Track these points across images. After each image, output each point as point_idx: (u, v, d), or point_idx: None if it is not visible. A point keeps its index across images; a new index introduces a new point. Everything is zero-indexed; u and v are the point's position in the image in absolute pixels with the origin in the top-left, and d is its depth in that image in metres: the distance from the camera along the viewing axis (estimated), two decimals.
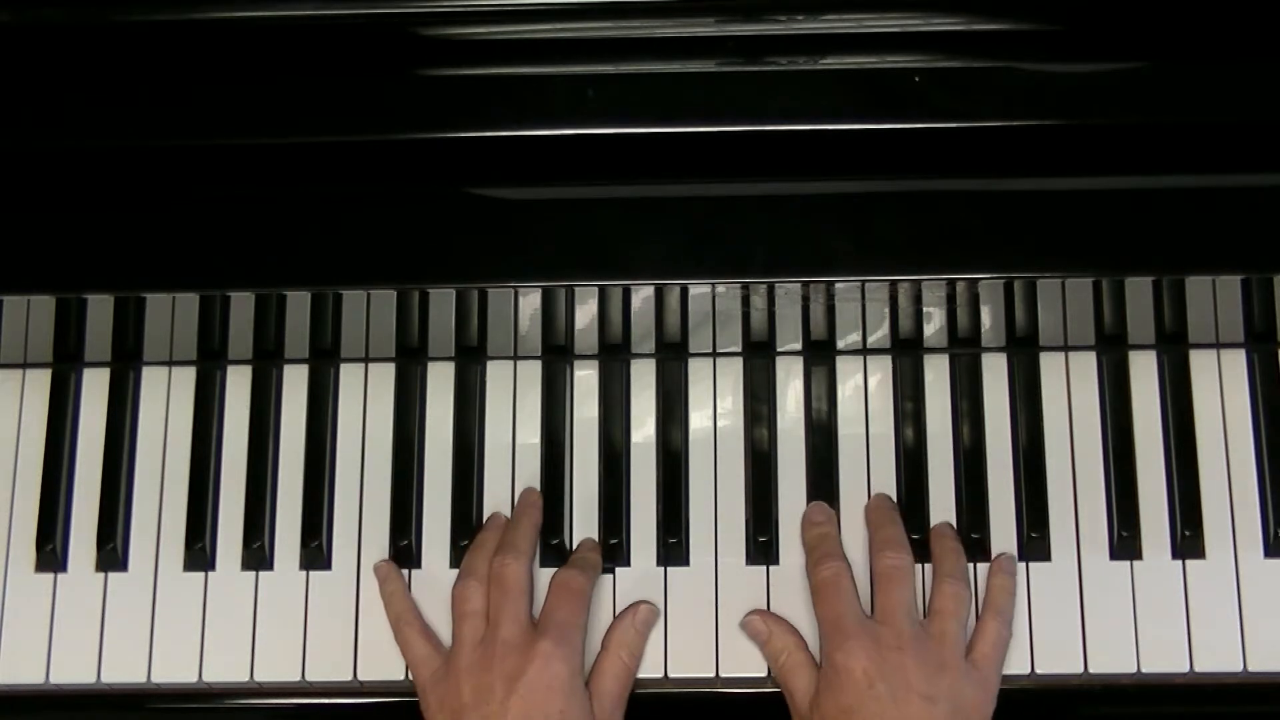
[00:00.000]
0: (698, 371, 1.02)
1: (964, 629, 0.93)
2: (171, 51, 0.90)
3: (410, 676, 0.96)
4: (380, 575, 0.99)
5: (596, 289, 0.96)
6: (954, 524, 0.98)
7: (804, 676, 0.93)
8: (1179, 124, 0.89)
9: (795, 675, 0.94)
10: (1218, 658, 0.96)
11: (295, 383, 1.02)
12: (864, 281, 0.92)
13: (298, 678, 0.98)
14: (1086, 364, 1.01)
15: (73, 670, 0.98)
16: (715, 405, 1.01)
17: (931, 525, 0.98)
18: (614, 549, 0.99)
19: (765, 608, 0.97)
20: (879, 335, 1.00)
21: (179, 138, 0.90)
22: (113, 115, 0.90)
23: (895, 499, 0.99)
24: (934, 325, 1.00)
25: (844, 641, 0.91)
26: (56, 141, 0.90)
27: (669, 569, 0.99)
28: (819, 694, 0.91)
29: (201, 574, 1.00)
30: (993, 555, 0.98)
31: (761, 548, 0.98)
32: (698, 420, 1.01)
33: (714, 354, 1.02)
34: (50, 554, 1.00)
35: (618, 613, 0.97)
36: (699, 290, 0.95)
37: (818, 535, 0.97)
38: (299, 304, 0.98)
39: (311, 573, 0.99)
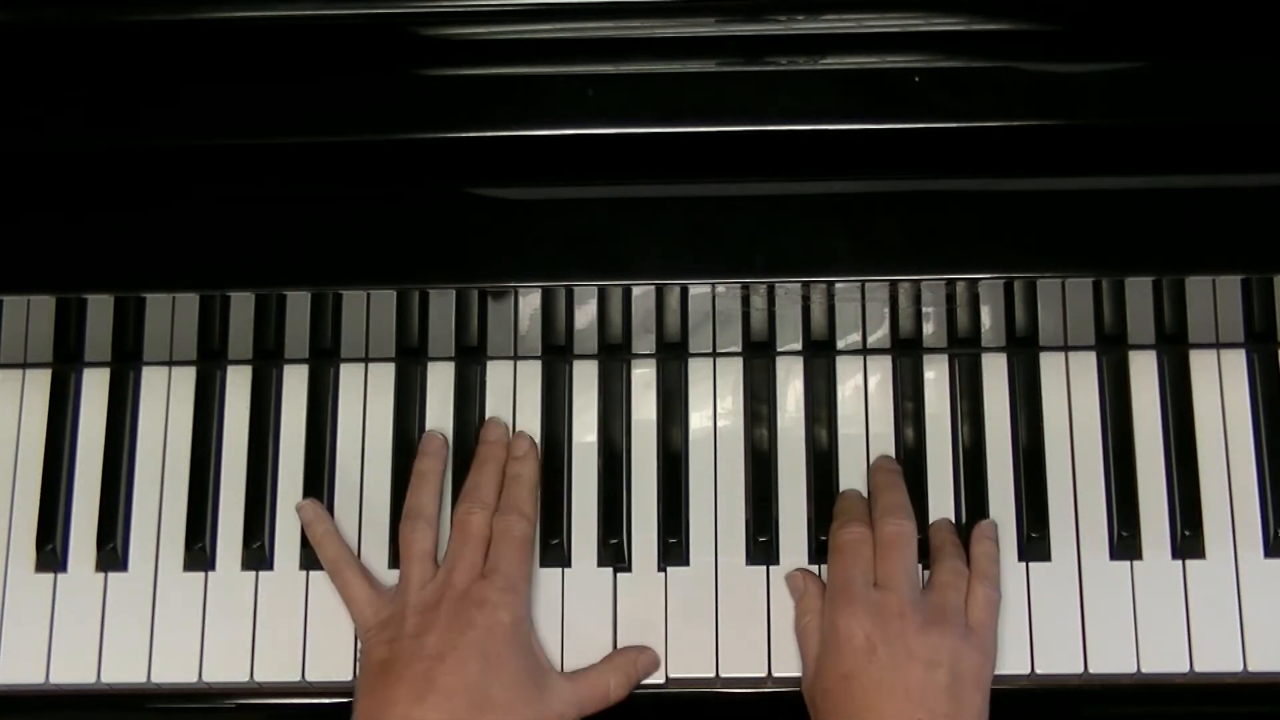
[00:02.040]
0: (698, 371, 1.02)
1: (963, 600, 0.94)
2: (171, 51, 0.90)
3: (353, 618, 0.96)
4: (307, 517, 0.99)
5: (596, 289, 0.96)
6: (953, 523, 0.99)
7: (816, 641, 0.94)
8: (1179, 124, 0.89)
9: (809, 638, 0.94)
10: (1218, 658, 0.96)
11: (295, 383, 1.02)
12: (864, 281, 0.92)
13: (298, 678, 0.98)
14: (1086, 364, 1.01)
15: (73, 670, 0.98)
16: (715, 405, 1.01)
17: (930, 523, 0.98)
18: (614, 549, 0.98)
19: (765, 608, 0.97)
20: (879, 335, 1.00)
21: (179, 138, 0.90)
22: (113, 115, 0.90)
23: None
24: (934, 325, 1.00)
25: (847, 605, 0.91)
26: (56, 141, 0.90)
27: (669, 569, 0.98)
28: (820, 658, 0.92)
29: (201, 574, 1.00)
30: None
31: (761, 548, 0.98)
32: (698, 420, 1.01)
33: (714, 354, 1.02)
34: (50, 554, 1.00)
35: (620, 614, 0.97)
36: (699, 290, 0.95)
37: (845, 498, 0.97)
38: (299, 304, 0.98)
39: (311, 573, 0.99)
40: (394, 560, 0.99)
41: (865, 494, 0.99)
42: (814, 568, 0.98)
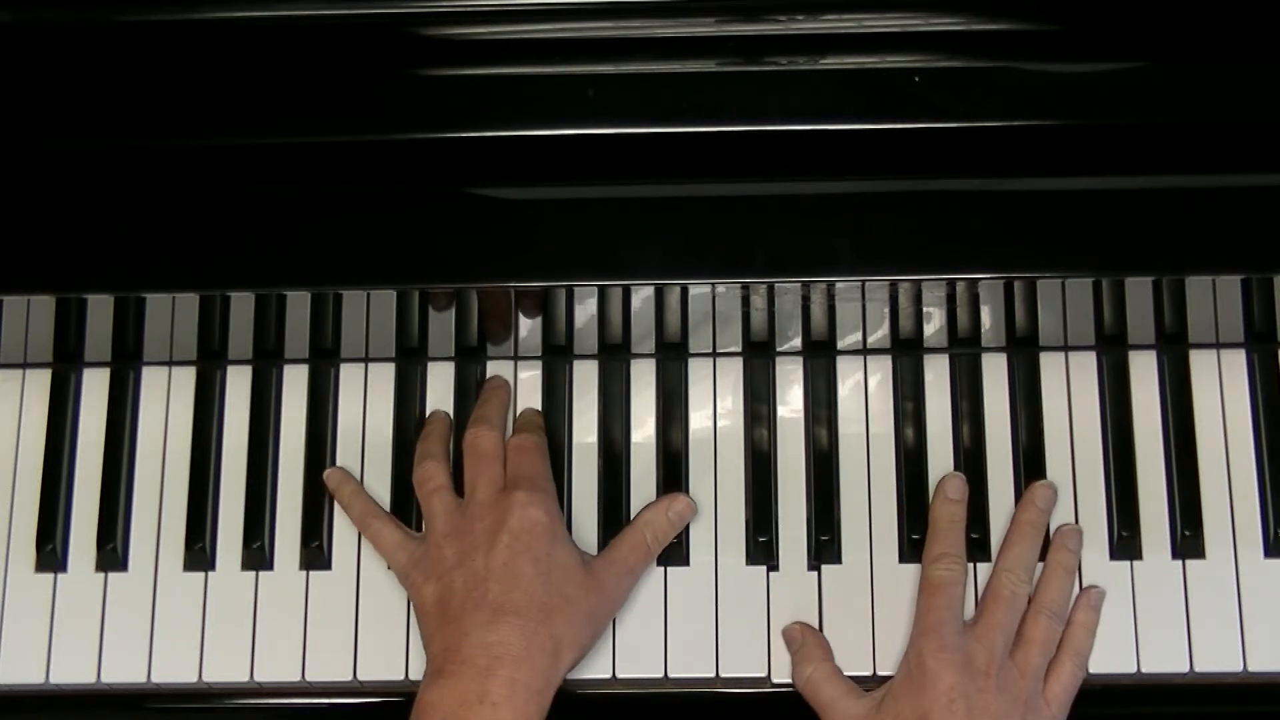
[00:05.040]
0: (698, 371, 1.02)
1: (1046, 662, 0.93)
2: (171, 51, 0.90)
3: (390, 568, 0.97)
4: (333, 482, 0.99)
5: (596, 289, 0.96)
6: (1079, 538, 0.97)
7: (839, 685, 0.93)
8: (1179, 124, 0.89)
9: (830, 685, 0.93)
10: (1218, 658, 0.96)
11: (295, 383, 1.02)
12: (864, 281, 0.92)
13: (298, 678, 0.98)
14: (1086, 364, 1.01)
15: (73, 670, 0.98)
16: (715, 405, 1.01)
17: (1056, 531, 0.97)
18: None
19: (765, 608, 0.97)
20: (879, 335, 1.00)
21: (179, 138, 0.90)
22: (113, 115, 0.90)
23: (895, 499, 0.99)
24: (934, 325, 1.00)
25: (940, 649, 0.90)
26: (56, 141, 0.90)
27: (669, 569, 0.98)
28: (896, 688, 0.92)
29: (201, 574, 1.00)
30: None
31: (761, 548, 0.98)
32: (698, 420, 1.01)
33: (714, 354, 1.02)
34: (50, 554, 1.00)
35: (620, 614, 0.97)
36: (699, 290, 0.95)
37: (949, 516, 0.96)
38: (299, 304, 0.98)
39: (311, 573, 0.99)
40: None
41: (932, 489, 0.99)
42: (813, 569, 0.98)
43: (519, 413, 1.01)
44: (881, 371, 1.02)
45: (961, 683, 0.89)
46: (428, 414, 1.02)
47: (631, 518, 0.98)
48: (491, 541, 0.91)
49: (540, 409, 1.01)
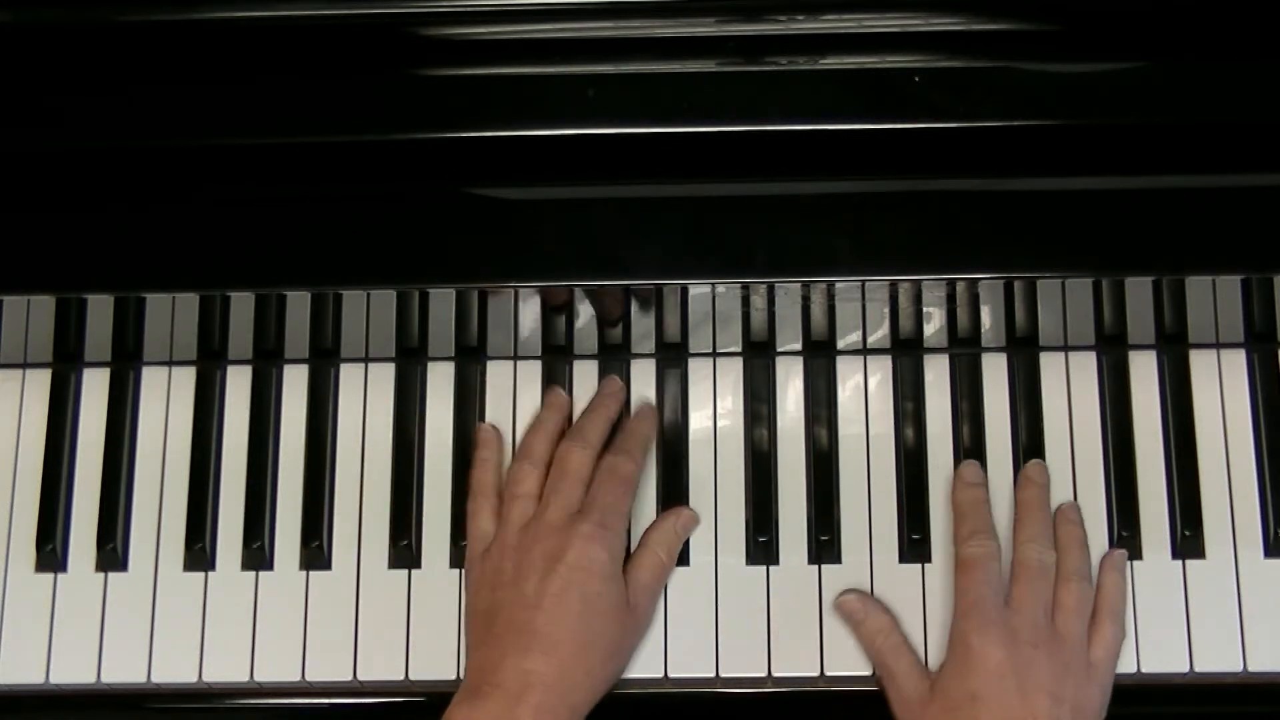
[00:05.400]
0: (698, 371, 1.02)
1: (1086, 626, 0.93)
2: (171, 51, 0.90)
3: (465, 547, 0.97)
4: (481, 438, 1.00)
5: (596, 289, 0.96)
6: (1078, 511, 0.98)
7: (906, 657, 0.94)
8: (1179, 124, 0.89)
9: (898, 656, 0.94)
10: (1218, 658, 0.96)
11: (295, 383, 1.02)
12: (864, 281, 0.92)
13: (298, 678, 0.98)
14: (1086, 364, 1.01)
15: (73, 670, 0.98)
16: (715, 405, 1.01)
17: (1056, 510, 0.98)
18: None
19: (765, 608, 0.97)
20: (879, 335, 1.00)
21: (179, 138, 0.90)
22: (113, 115, 0.90)
23: (895, 499, 0.99)
24: (934, 325, 1.00)
25: (983, 626, 0.90)
26: (56, 141, 0.90)
27: None
28: (944, 671, 0.91)
29: (201, 574, 1.00)
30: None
31: (761, 548, 0.98)
32: (698, 420, 1.01)
33: (714, 354, 1.02)
34: (50, 554, 1.00)
35: None
36: (699, 290, 0.95)
37: (971, 500, 0.97)
38: (299, 304, 0.98)
39: (311, 573, 0.99)
40: (394, 562, 0.99)
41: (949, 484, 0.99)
42: (812, 568, 0.98)
43: (636, 411, 1.00)
44: (881, 371, 1.02)
45: (1009, 657, 0.89)
46: (550, 395, 1.01)
47: (631, 519, 0.99)
48: (547, 569, 0.92)
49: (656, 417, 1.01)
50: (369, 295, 0.97)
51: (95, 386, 1.03)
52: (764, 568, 0.98)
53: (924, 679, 0.93)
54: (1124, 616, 0.95)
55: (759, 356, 1.01)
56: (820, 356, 1.01)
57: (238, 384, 1.02)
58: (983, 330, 1.00)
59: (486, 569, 0.94)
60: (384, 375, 1.02)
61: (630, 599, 0.94)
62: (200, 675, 0.98)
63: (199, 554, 0.99)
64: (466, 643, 0.95)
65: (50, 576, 1.00)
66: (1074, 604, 0.93)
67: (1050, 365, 1.01)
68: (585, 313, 0.98)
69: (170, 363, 1.03)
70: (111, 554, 0.99)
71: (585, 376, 1.02)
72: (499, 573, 0.93)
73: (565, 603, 0.91)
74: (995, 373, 1.01)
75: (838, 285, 0.93)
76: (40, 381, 1.03)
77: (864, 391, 1.01)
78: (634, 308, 0.98)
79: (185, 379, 1.03)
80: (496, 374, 1.02)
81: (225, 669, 0.98)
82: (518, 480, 0.97)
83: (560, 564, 0.92)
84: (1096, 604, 0.95)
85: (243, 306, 0.98)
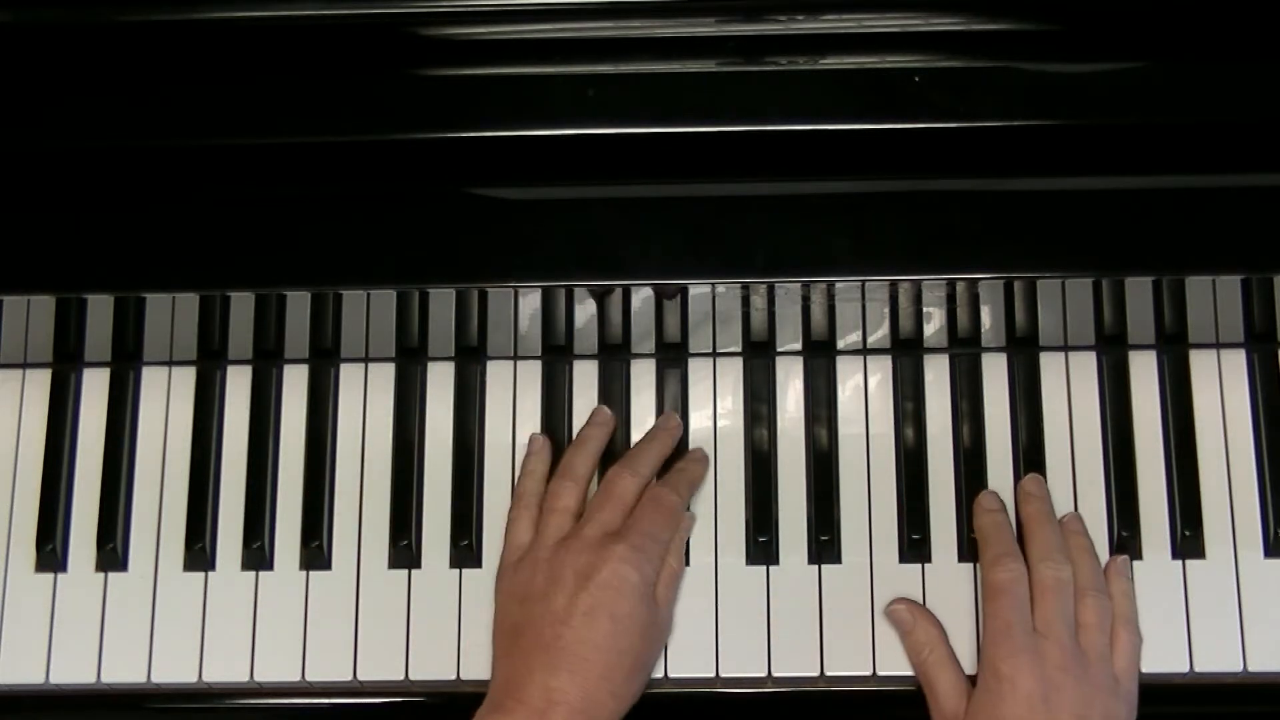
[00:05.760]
0: (698, 371, 1.02)
1: (1108, 639, 0.93)
2: (171, 51, 0.90)
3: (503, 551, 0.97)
4: (530, 447, 1.00)
5: (596, 289, 0.96)
6: (1082, 521, 0.98)
7: (949, 673, 0.94)
8: (1179, 124, 0.89)
9: (941, 671, 0.94)
10: (1218, 658, 0.96)
11: (295, 383, 1.02)
12: (864, 281, 0.92)
13: (298, 678, 0.98)
14: (1086, 364, 1.01)
15: (73, 670, 0.98)
16: (715, 405, 1.01)
17: (1061, 523, 0.97)
18: None
19: (765, 608, 0.97)
20: (879, 335, 1.00)
21: (179, 138, 0.90)
22: (113, 115, 0.90)
23: (895, 500, 0.99)
24: (934, 325, 1.00)
25: (1013, 653, 0.90)
26: (56, 141, 0.90)
27: None
28: (977, 699, 0.91)
29: (201, 574, 1.00)
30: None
31: (761, 548, 0.98)
32: (698, 420, 1.01)
33: (714, 354, 1.02)
34: (50, 554, 1.00)
35: None
36: (699, 290, 0.95)
37: (994, 524, 0.96)
38: (299, 304, 0.98)
39: (311, 573, 0.99)
40: (393, 562, 0.99)
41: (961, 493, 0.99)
42: (812, 568, 0.98)
43: (690, 453, 1.00)
44: (881, 371, 1.02)
45: (1039, 684, 0.89)
46: (595, 413, 1.01)
47: None
48: (579, 586, 0.91)
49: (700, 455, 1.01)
50: (369, 295, 0.97)
51: (95, 386, 1.03)
52: (764, 568, 0.98)
53: (962, 698, 0.92)
54: (1138, 621, 0.95)
55: (759, 356, 1.01)
56: (820, 356, 1.01)
57: (238, 384, 1.02)
58: (983, 330, 1.00)
59: (518, 580, 0.94)
60: (384, 375, 1.02)
61: (658, 618, 0.94)
62: (200, 675, 0.98)
63: (199, 554, 0.99)
64: (493, 653, 0.94)
65: (50, 576, 1.00)
66: (1095, 620, 0.93)
67: (1050, 365, 1.01)
68: (585, 313, 0.98)
69: (170, 363, 1.03)
70: (111, 554, 0.99)
71: (585, 376, 1.02)
72: (529, 585, 0.93)
73: (595, 621, 0.90)
74: (995, 373, 1.01)
75: (838, 285, 0.93)
76: (40, 381, 1.03)
77: (864, 391, 1.01)
78: (643, 305, 0.98)
79: (185, 379, 1.03)
80: (496, 374, 1.02)
81: (225, 669, 0.98)
82: (556, 494, 0.97)
83: (591, 582, 0.91)
84: (1114, 614, 0.95)
85: (243, 306, 0.98)
